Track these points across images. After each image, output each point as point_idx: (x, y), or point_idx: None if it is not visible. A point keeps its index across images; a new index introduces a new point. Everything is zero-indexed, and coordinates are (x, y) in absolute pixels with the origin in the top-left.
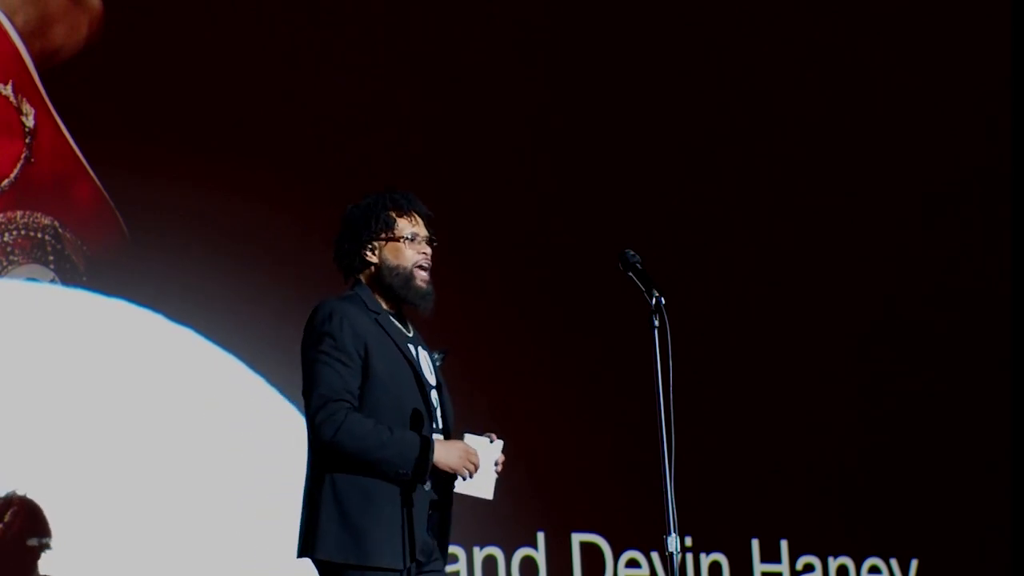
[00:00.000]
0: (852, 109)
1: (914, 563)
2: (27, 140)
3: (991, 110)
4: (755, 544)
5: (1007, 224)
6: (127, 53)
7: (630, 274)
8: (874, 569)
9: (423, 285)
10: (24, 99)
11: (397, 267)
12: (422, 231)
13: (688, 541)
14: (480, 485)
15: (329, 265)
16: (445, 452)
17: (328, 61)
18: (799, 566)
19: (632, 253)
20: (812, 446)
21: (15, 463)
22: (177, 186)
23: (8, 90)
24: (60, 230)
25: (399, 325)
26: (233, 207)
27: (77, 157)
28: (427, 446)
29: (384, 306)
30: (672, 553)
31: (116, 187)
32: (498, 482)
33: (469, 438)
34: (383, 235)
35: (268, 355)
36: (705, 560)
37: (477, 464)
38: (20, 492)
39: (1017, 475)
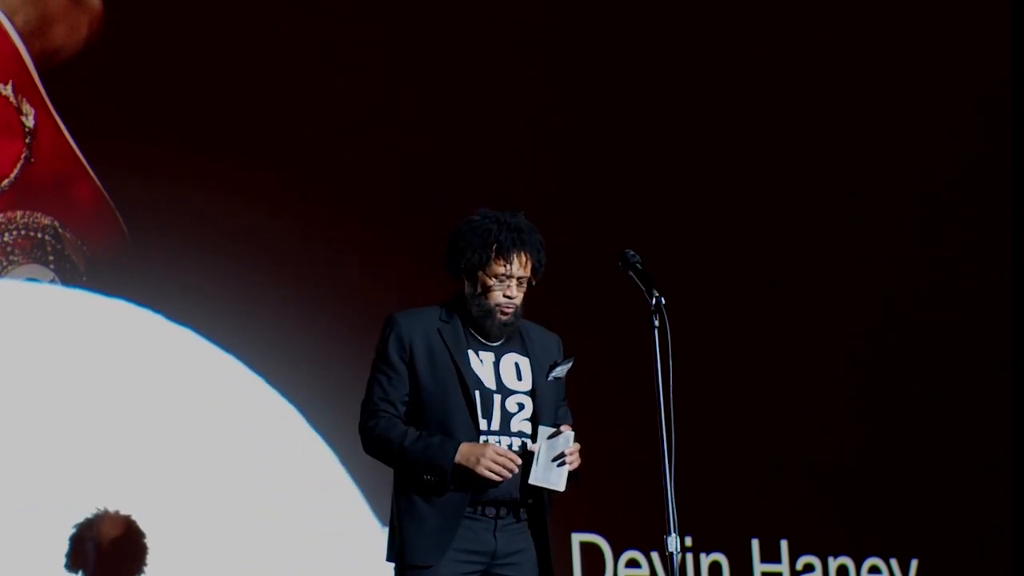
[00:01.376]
0: (852, 109)
1: (914, 563)
2: (27, 140)
3: (991, 110)
4: (755, 544)
5: (1007, 224)
6: (127, 53)
7: (630, 274)
8: (874, 569)
9: (501, 317)
10: (24, 99)
11: (480, 301)
12: (516, 272)
13: (688, 541)
14: (548, 477)
15: (329, 265)
16: (467, 453)
17: (328, 61)
18: (799, 566)
19: (632, 253)
20: (812, 446)
21: (15, 463)
22: (177, 186)
23: (8, 90)
24: (60, 230)
25: (474, 333)
26: (233, 207)
27: (77, 157)
28: (443, 449)
29: (463, 319)
30: (672, 553)
31: (116, 187)
32: (571, 474)
33: (541, 429)
34: (473, 270)
35: (268, 355)
36: (705, 560)
37: (508, 466)
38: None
39: (1017, 475)
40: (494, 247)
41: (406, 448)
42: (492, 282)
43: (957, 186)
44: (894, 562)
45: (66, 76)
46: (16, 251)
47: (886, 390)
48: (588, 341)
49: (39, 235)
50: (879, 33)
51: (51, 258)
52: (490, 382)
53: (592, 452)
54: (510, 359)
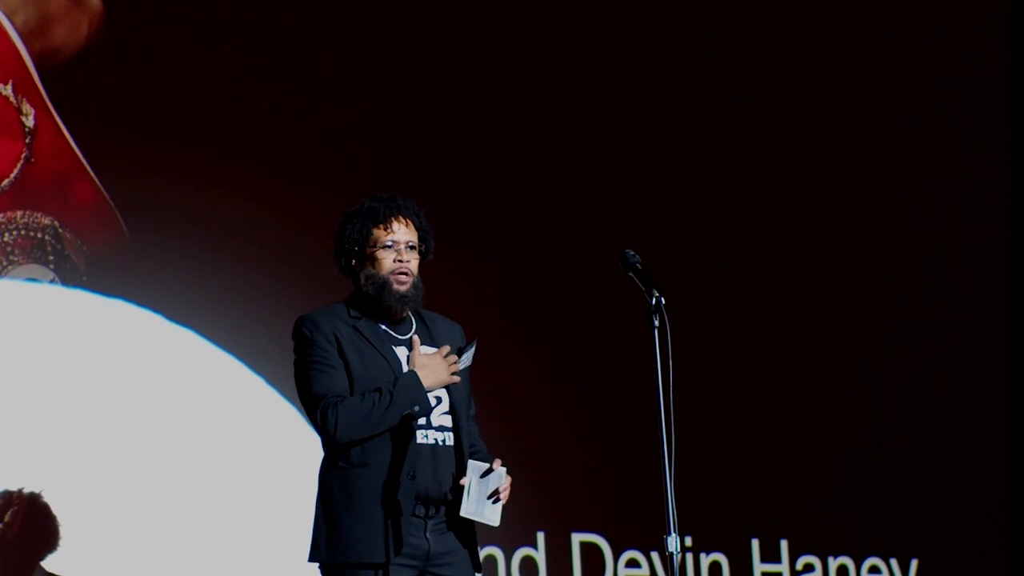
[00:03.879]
0: (852, 109)
1: (914, 563)
2: (27, 140)
3: (991, 110)
4: (755, 544)
5: (1007, 224)
6: (127, 53)
7: (630, 274)
8: (874, 569)
9: (399, 288)
10: (24, 99)
11: (373, 276)
12: (402, 237)
13: (688, 541)
14: (481, 512)
15: (329, 265)
16: (431, 375)
17: (328, 61)
18: (799, 566)
19: (632, 253)
20: (812, 446)
21: (15, 463)
22: (177, 186)
23: (8, 90)
24: (60, 230)
25: (386, 328)
26: (233, 207)
27: (77, 157)
28: (409, 386)
29: (369, 311)
30: (672, 553)
31: (116, 187)
32: (504, 508)
33: (472, 464)
34: (358, 247)
35: (268, 355)
36: (705, 560)
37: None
38: (24, 491)
39: (1017, 475)
40: (370, 217)
41: (378, 403)
42: (379, 252)
43: (957, 186)
44: (894, 562)
45: (66, 76)
46: (16, 251)
47: (886, 390)
48: (588, 341)
49: (39, 235)
50: (879, 33)
51: (51, 258)
52: None
53: (592, 452)
54: (431, 352)
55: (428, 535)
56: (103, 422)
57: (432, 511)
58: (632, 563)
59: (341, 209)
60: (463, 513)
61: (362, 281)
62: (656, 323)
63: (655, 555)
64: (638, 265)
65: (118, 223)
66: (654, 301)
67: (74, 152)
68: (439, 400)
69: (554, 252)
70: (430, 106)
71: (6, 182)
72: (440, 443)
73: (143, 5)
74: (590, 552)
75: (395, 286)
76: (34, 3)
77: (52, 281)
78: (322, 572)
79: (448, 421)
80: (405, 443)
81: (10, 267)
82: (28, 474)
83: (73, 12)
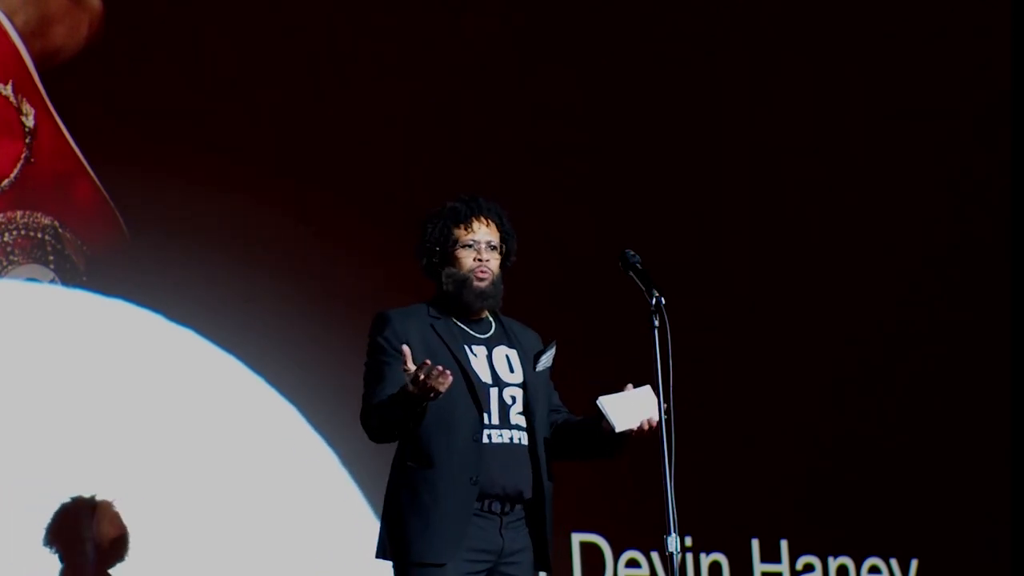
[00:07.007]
0: (852, 109)
1: (914, 563)
2: (27, 140)
3: (991, 110)
4: (755, 544)
5: (1007, 224)
6: (127, 53)
7: (630, 274)
8: (874, 569)
9: (479, 284)
10: (24, 99)
11: (454, 274)
12: (483, 236)
13: (688, 541)
14: (622, 416)
15: (329, 265)
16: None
17: (329, 61)
18: (799, 566)
19: (632, 253)
20: (812, 446)
21: (14, 464)
22: (177, 186)
23: (8, 90)
24: (60, 230)
25: (465, 328)
26: (234, 207)
27: (77, 157)
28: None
29: (449, 311)
30: (672, 553)
31: (116, 187)
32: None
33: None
34: (440, 247)
35: (268, 355)
36: (705, 560)
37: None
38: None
39: (1017, 475)
40: (451, 217)
41: (388, 404)
42: (460, 251)
43: (957, 186)
44: (894, 562)
45: (66, 76)
46: (16, 251)
47: (886, 390)
48: (588, 341)
49: (39, 235)
50: (880, 33)
51: (51, 258)
52: (486, 376)
53: None
54: (501, 352)
55: (503, 532)
56: (103, 422)
57: (507, 508)
58: (632, 563)
59: (341, 209)
60: (600, 401)
61: (443, 279)
62: (656, 323)
63: (655, 555)
64: (638, 265)
65: (118, 223)
66: (654, 301)
67: (74, 152)
68: (514, 400)
69: (554, 252)
70: (430, 107)
71: (6, 182)
72: (514, 441)
73: (143, 5)
74: (590, 552)
75: (475, 282)
76: (34, 3)
77: (52, 281)
78: (394, 570)
79: (523, 421)
80: (471, 445)
81: (10, 267)
82: (28, 475)
83: (73, 12)
